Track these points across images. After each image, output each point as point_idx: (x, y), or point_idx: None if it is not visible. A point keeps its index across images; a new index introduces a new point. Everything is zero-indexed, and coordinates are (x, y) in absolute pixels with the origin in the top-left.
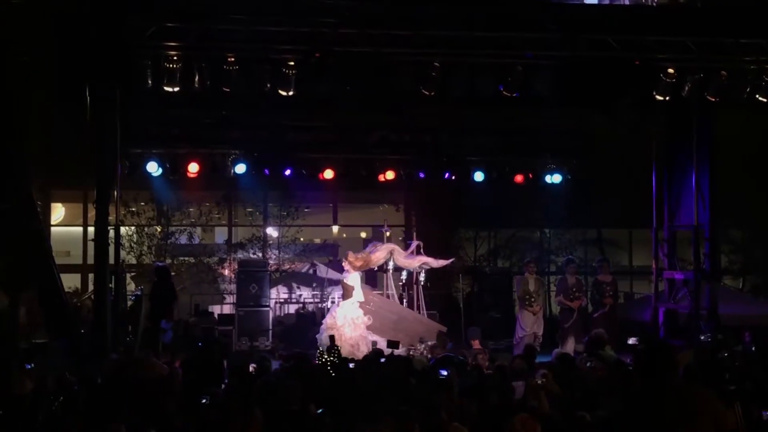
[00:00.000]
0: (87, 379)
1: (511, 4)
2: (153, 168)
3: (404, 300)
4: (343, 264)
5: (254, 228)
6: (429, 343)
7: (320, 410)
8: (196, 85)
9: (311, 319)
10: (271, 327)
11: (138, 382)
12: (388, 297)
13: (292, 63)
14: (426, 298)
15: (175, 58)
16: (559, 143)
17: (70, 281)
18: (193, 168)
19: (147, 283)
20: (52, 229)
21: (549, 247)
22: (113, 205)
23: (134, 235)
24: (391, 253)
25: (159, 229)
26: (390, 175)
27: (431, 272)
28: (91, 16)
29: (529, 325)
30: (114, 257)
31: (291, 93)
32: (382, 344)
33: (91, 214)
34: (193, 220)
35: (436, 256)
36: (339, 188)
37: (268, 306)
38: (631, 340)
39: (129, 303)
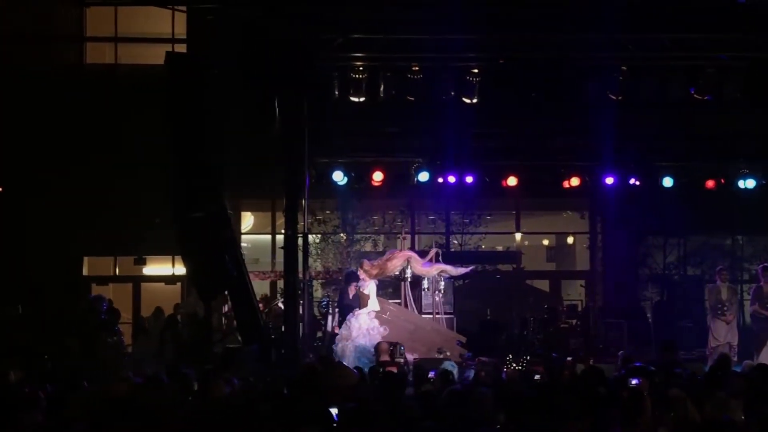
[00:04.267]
0: (277, 384)
1: (701, 4)
2: (339, 177)
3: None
4: (359, 272)
5: (436, 236)
6: (448, 353)
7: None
8: (381, 95)
9: (495, 328)
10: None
11: (328, 389)
12: (406, 306)
13: (476, 70)
14: (610, 306)
15: (361, 68)
16: (752, 147)
17: (260, 288)
18: (378, 176)
19: (334, 291)
20: (242, 237)
21: (742, 255)
22: (301, 214)
23: (321, 243)
24: (407, 260)
25: (344, 237)
26: (575, 181)
27: (615, 282)
28: (279, 30)
29: (722, 334)
30: (302, 264)
31: (475, 100)
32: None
33: (280, 222)
34: (376, 228)
35: (455, 264)
36: (522, 195)
37: (453, 313)
38: None
39: (317, 310)
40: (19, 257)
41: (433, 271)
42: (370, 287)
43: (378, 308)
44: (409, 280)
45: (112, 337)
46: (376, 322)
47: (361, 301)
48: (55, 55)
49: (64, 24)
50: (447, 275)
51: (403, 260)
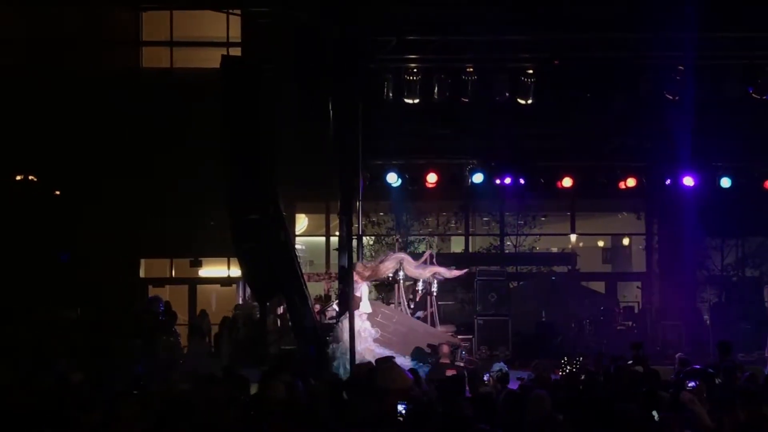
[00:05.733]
0: (333, 385)
1: (758, 2)
2: (393, 179)
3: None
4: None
5: (491, 237)
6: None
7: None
8: (435, 97)
9: (550, 330)
10: (510, 336)
11: (382, 390)
12: (400, 308)
13: (530, 71)
14: (667, 308)
15: (415, 70)
16: None
17: (314, 289)
18: (432, 178)
19: (388, 292)
20: (296, 238)
21: None
22: (355, 216)
23: (374, 245)
24: (400, 262)
25: (398, 239)
26: (631, 182)
27: (672, 283)
28: (334, 32)
29: None
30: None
31: (530, 101)
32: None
33: (334, 224)
34: (430, 230)
35: (449, 266)
36: (577, 196)
37: (508, 315)
38: None
39: None
40: (77, 260)
41: (426, 273)
42: (362, 289)
43: (370, 310)
44: (401, 281)
45: (169, 339)
46: (367, 324)
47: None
48: (112, 59)
49: (120, 29)
50: (440, 277)
51: (395, 262)
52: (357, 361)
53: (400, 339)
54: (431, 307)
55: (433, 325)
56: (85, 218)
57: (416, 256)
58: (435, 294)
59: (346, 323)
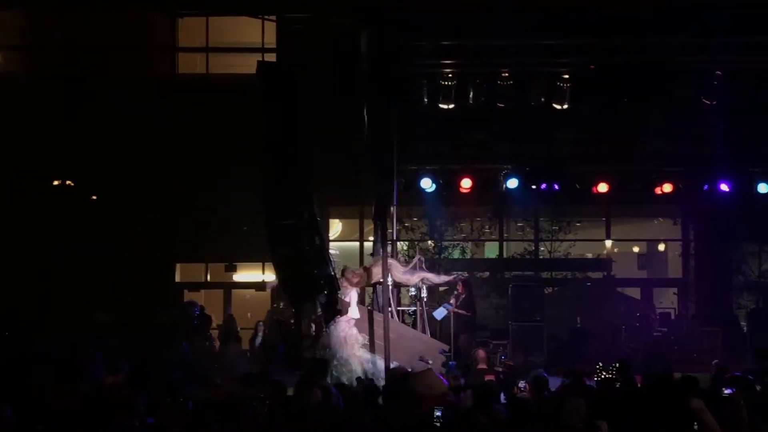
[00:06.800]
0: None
1: None
2: (427, 184)
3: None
4: (341, 281)
5: (525, 243)
6: (430, 361)
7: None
8: (470, 101)
9: (586, 336)
10: (545, 342)
11: (418, 395)
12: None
13: (566, 76)
14: (704, 314)
15: (450, 75)
16: None
17: None
18: (466, 183)
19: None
20: (330, 243)
21: None
22: (389, 221)
23: (409, 250)
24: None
25: (432, 244)
26: (667, 187)
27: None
28: (369, 37)
29: None
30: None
31: (566, 106)
32: (380, 364)
33: (368, 229)
34: (464, 235)
35: (438, 272)
36: (612, 201)
37: (542, 321)
38: None
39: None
40: (113, 264)
41: (414, 279)
42: (351, 295)
43: (358, 316)
44: (390, 288)
45: (204, 343)
46: (354, 330)
47: (342, 308)
48: (149, 65)
49: (157, 35)
50: (429, 283)
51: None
52: (343, 367)
53: (389, 345)
54: (421, 313)
55: (423, 331)
56: (121, 223)
57: (450, 262)
58: (425, 300)
59: (333, 330)
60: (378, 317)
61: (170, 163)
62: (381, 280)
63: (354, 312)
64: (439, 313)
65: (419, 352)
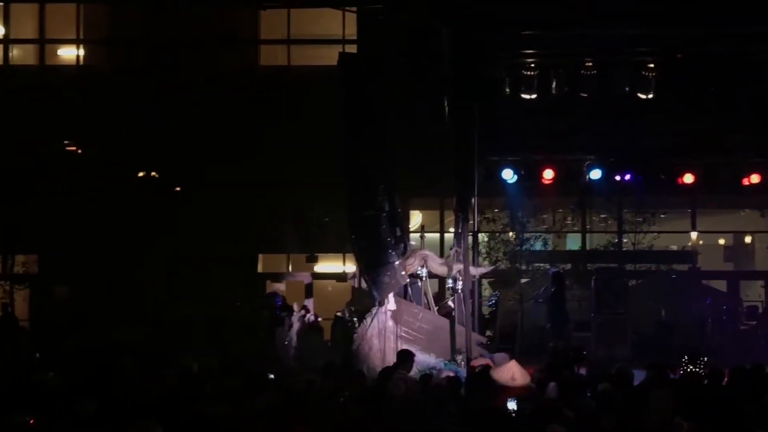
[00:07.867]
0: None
1: None
2: (508, 175)
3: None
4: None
5: (608, 234)
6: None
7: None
8: (553, 92)
9: (671, 329)
10: (629, 335)
11: (498, 387)
12: (428, 306)
13: (652, 65)
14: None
15: (532, 65)
16: None
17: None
18: (548, 174)
19: (502, 289)
20: (411, 235)
21: None
22: (471, 212)
23: (490, 242)
24: (424, 259)
25: (513, 236)
26: (755, 178)
27: None
28: (450, 28)
29: None
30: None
31: (650, 96)
32: (418, 357)
33: (448, 220)
34: (546, 227)
35: (475, 264)
36: (698, 193)
37: (626, 314)
38: None
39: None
40: (197, 255)
41: (451, 271)
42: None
43: (394, 308)
44: (425, 278)
45: (286, 333)
46: (391, 323)
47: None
48: (232, 57)
49: (240, 28)
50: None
51: (419, 259)
52: (379, 360)
53: (425, 337)
54: (457, 304)
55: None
56: (204, 214)
57: (531, 254)
58: (460, 291)
59: (369, 320)
60: (413, 308)
61: (253, 155)
62: (416, 272)
63: (390, 303)
64: None
65: (457, 345)
